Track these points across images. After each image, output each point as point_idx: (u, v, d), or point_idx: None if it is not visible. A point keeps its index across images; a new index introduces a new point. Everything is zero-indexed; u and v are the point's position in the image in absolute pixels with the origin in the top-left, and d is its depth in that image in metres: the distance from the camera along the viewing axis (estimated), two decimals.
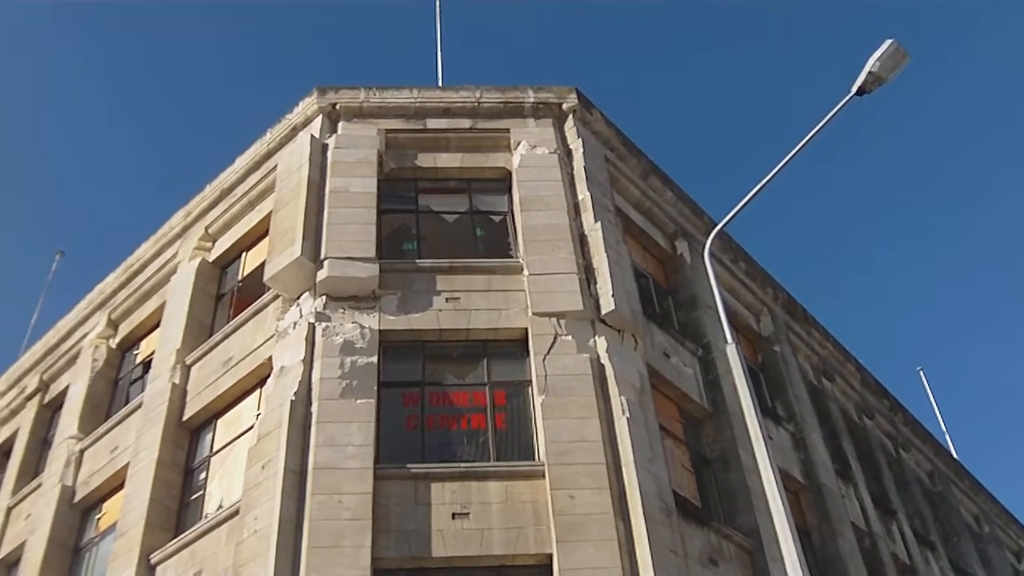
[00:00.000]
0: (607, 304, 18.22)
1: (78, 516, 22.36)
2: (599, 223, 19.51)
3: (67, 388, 25.83)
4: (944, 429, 45.55)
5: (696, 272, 22.79)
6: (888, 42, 14.24)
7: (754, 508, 18.82)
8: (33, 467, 25.99)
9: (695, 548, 16.96)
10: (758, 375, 24.17)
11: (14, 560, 23.69)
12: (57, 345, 27.72)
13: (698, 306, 22.18)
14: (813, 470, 23.09)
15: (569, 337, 17.65)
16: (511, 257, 19.28)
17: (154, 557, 18.09)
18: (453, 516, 15.58)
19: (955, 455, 41.25)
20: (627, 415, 16.66)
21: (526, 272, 18.52)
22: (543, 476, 15.91)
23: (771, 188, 15.27)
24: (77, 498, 22.30)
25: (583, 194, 20.22)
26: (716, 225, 16.79)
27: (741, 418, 19.54)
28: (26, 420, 27.38)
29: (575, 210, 19.98)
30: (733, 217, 15.72)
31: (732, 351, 13.84)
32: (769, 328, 25.88)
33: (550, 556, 15.17)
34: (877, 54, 14.26)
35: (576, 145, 21.29)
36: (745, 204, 15.41)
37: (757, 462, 17.67)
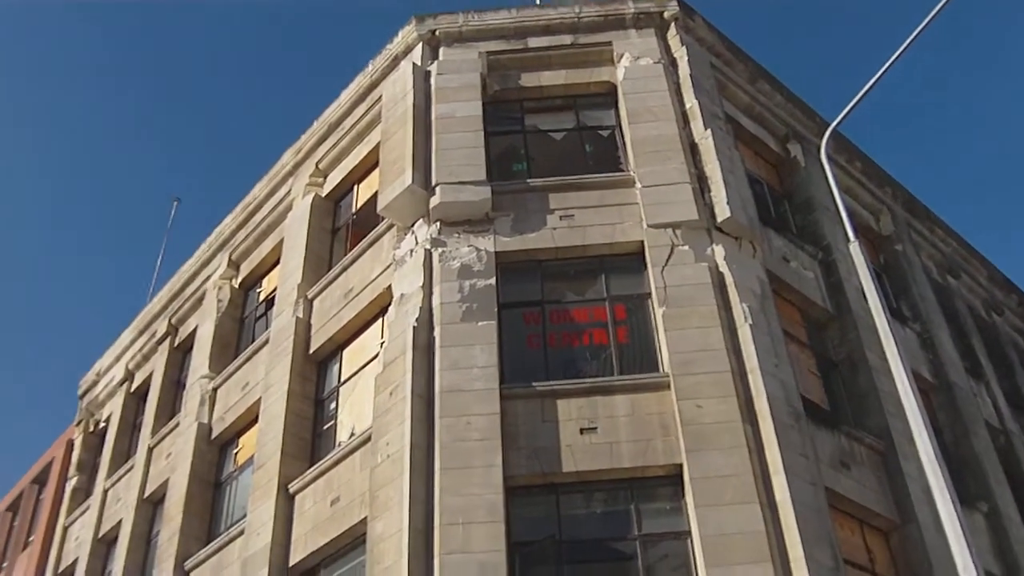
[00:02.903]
0: (722, 212, 17.98)
1: (216, 452, 23.12)
2: (709, 131, 19.21)
3: (195, 330, 26.57)
4: None
5: (811, 174, 22.35)
6: None
7: (884, 409, 18.56)
8: (169, 408, 26.88)
9: (825, 452, 16.83)
10: (881, 276, 23.69)
11: (159, 497, 24.64)
12: (182, 289, 28.47)
13: (815, 208, 21.77)
14: (942, 369, 22.66)
15: (686, 247, 17.49)
16: (622, 171, 19.10)
17: (292, 486, 18.61)
18: (581, 431, 15.69)
19: None
20: (749, 322, 16.51)
21: (638, 185, 18.35)
22: (668, 387, 15.89)
23: (884, 82, 14.74)
24: (214, 435, 23.05)
25: (691, 102, 19.90)
26: (829, 125, 16.35)
27: (866, 319, 19.27)
28: (159, 363, 28.28)
29: (684, 119, 19.69)
30: (847, 115, 15.34)
31: (855, 249, 13.58)
32: (889, 227, 25.31)
33: (680, 466, 15.21)
34: None
35: (680, 53, 20.92)
36: (858, 101, 15.02)
37: (884, 363, 17.49)
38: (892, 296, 23.59)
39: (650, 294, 17.23)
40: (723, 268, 17.29)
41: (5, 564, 37.04)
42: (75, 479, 31.03)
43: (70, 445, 33.37)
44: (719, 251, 17.55)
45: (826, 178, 15.33)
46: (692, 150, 19.09)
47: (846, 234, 14.26)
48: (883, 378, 18.72)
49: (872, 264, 14.28)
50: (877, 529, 17.40)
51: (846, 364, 19.59)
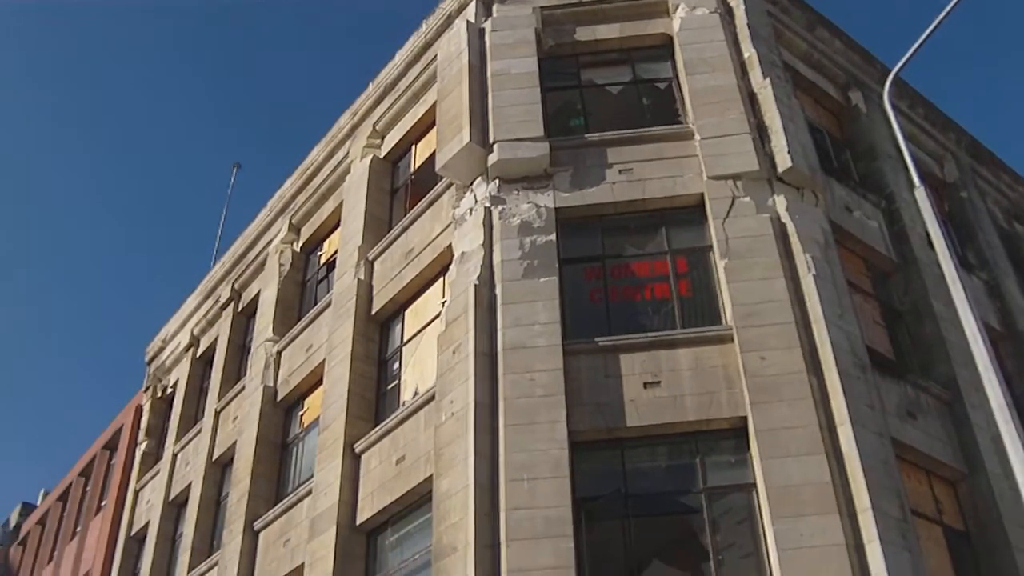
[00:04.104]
0: (783, 161, 17.74)
1: (282, 414, 23.40)
2: (768, 80, 18.94)
3: (258, 294, 26.83)
4: None
5: (873, 121, 22.01)
6: None
7: (951, 359, 18.32)
8: (235, 372, 27.21)
9: (892, 402, 16.66)
10: (946, 223, 23.27)
11: (227, 460, 25.00)
12: (244, 254, 28.73)
13: (877, 156, 21.43)
14: (1011, 318, 22.30)
15: (747, 198, 17.31)
16: (680, 123, 18.89)
17: (358, 446, 18.79)
18: (644, 385, 15.66)
19: None
20: (813, 272, 16.33)
21: (697, 137, 18.17)
22: (732, 340, 15.79)
23: (946, 25, 14.38)
24: (279, 397, 23.32)
25: (748, 52, 19.61)
26: (890, 71, 16.08)
27: (931, 268, 19.03)
28: (223, 328, 28.61)
29: (742, 69, 19.42)
30: (908, 60, 15.12)
31: (921, 195, 13.39)
32: (954, 174, 24.87)
33: (744, 419, 15.13)
34: None
35: (736, 2, 20.56)
36: (920, 45, 14.78)
37: (951, 312, 17.25)
38: (958, 244, 23.20)
39: (711, 246, 17.09)
40: (785, 219, 17.10)
41: (79, 528, 37.86)
42: (144, 444, 31.56)
43: (139, 411, 33.95)
44: (781, 202, 17.35)
45: (889, 125, 15.16)
46: (751, 100, 18.83)
47: (910, 182, 14.07)
48: (949, 327, 18.47)
49: (937, 212, 14.03)
50: (945, 479, 17.22)
51: (911, 313, 19.35)
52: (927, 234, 17.92)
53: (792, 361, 15.39)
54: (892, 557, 13.66)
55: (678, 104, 19.43)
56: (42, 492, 49.88)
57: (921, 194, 13.37)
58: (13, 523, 50.50)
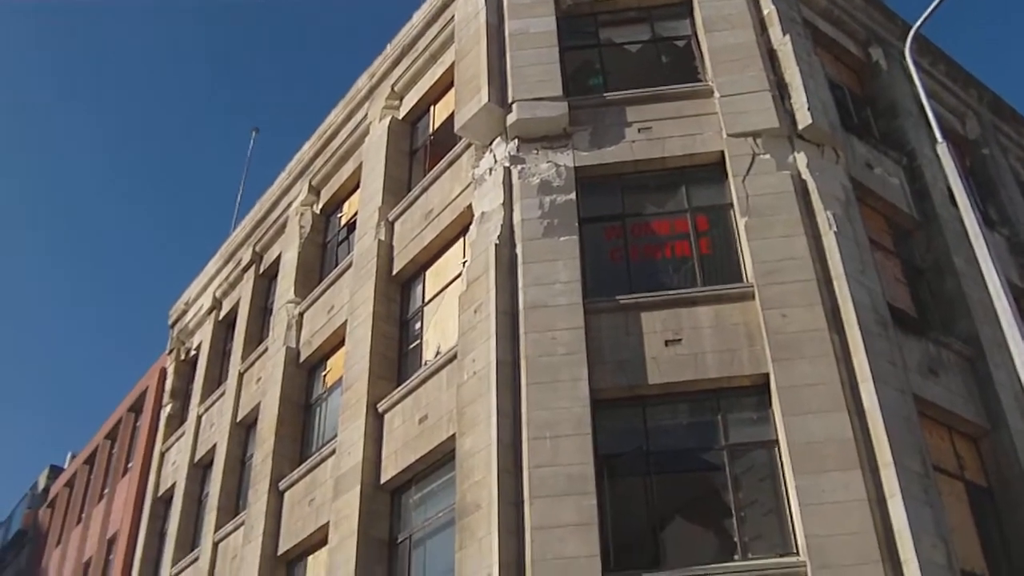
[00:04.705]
0: (804, 118, 17.66)
1: (305, 375, 23.55)
2: (788, 36, 18.82)
3: (279, 256, 26.94)
4: None
5: (894, 78, 21.85)
6: None
7: (973, 315, 18.30)
8: (257, 334, 27.37)
9: (913, 359, 16.65)
10: (968, 180, 23.13)
11: (251, 421, 25.21)
12: (265, 217, 28.81)
13: (898, 114, 21.28)
14: None
15: (767, 156, 17.24)
16: (700, 81, 18.78)
17: (381, 406, 18.93)
18: (666, 343, 15.69)
19: None
20: (834, 229, 16.29)
21: (717, 94, 18.08)
22: (753, 297, 15.80)
23: None
24: (302, 358, 23.48)
25: (768, 8, 19.46)
26: (911, 28, 15.96)
27: (953, 225, 18.96)
28: (245, 291, 28.75)
29: (761, 26, 19.28)
30: (929, 16, 14.98)
31: (943, 150, 13.32)
32: (976, 131, 24.69)
33: (766, 376, 15.16)
34: None
35: None
36: (941, 1, 14.62)
37: (973, 268, 17.20)
38: (980, 200, 23.04)
39: (732, 204, 17.05)
40: (806, 176, 17.04)
41: (106, 490, 38.29)
42: (169, 406, 31.84)
43: (163, 374, 34.22)
44: (801, 159, 17.28)
45: (910, 82, 15.07)
46: (770, 57, 18.72)
47: (931, 138, 14.02)
48: (971, 284, 18.44)
49: (960, 168, 13.96)
50: (966, 436, 17.23)
51: (933, 271, 19.30)
52: (949, 191, 17.90)
53: (814, 318, 15.40)
54: (914, 512, 13.71)
55: (697, 62, 19.32)
56: (69, 455, 50.44)
57: (943, 150, 13.30)
58: (41, 486, 51.06)
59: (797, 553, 13.80)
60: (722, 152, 17.51)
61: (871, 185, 18.97)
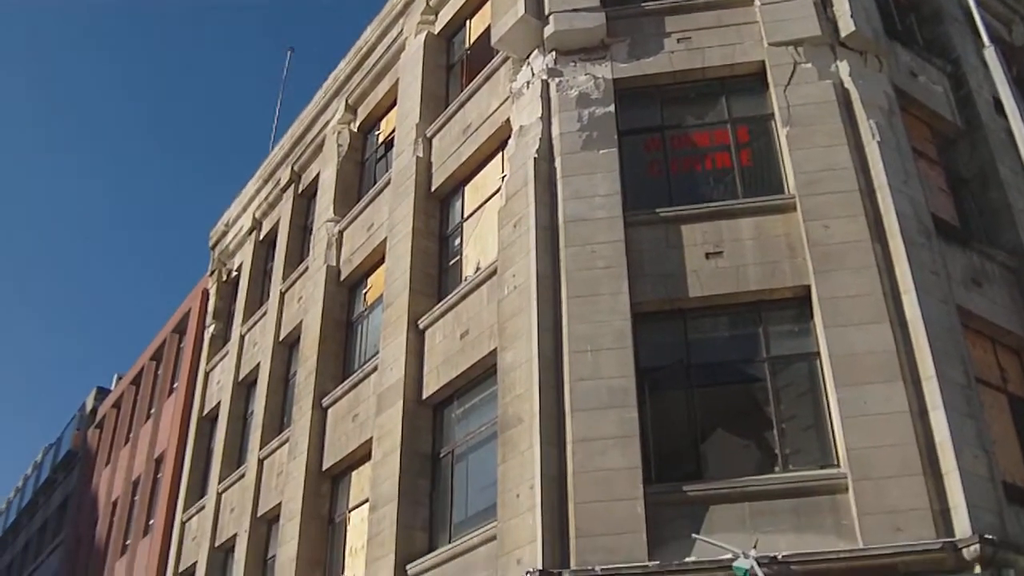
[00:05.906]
0: (846, 26, 17.29)
1: (346, 293, 23.70)
2: None
3: (318, 175, 26.96)
4: None
5: None
6: None
7: (1017, 226, 17.99)
8: (298, 253, 27.53)
9: (957, 269, 16.43)
10: (1015, 86, 22.69)
11: (294, 339, 25.44)
12: (302, 136, 28.77)
13: (943, 20, 20.79)
14: None
15: (809, 65, 16.93)
16: None
17: (422, 322, 19.03)
18: (707, 256, 15.60)
19: None
20: (877, 138, 16.03)
21: (757, 2, 17.68)
22: (795, 208, 15.62)
23: None
24: (342, 276, 23.61)
25: None
26: None
27: (998, 134, 18.62)
28: (285, 210, 28.86)
29: None
30: None
31: (990, 54, 13.11)
32: (1022, 38, 24.13)
33: (808, 287, 15.05)
34: None
35: None
36: None
37: (1018, 179, 16.95)
38: None
39: (773, 115, 16.80)
40: (848, 84, 16.73)
41: (153, 410, 38.89)
42: (213, 327, 32.20)
43: (205, 294, 34.56)
44: (844, 67, 16.96)
45: None
46: None
47: (977, 46, 13.70)
48: (1016, 194, 18.19)
49: (1007, 73, 13.67)
50: (1010, 348, 17.01)
51: (977, 180, 18.96)
52: (994, 99, 17.55)
53: (856, 229, 15.22)
54: (956, 424, 13.65)
55: None
56: (116, 376, 51.21)
57: (991, 54, 13.08)
58: (89, 407, 51.90)
59: (838, 465, 13.80)
60: (763, 62, 17.21)
61: (915, 93, 18.59)
